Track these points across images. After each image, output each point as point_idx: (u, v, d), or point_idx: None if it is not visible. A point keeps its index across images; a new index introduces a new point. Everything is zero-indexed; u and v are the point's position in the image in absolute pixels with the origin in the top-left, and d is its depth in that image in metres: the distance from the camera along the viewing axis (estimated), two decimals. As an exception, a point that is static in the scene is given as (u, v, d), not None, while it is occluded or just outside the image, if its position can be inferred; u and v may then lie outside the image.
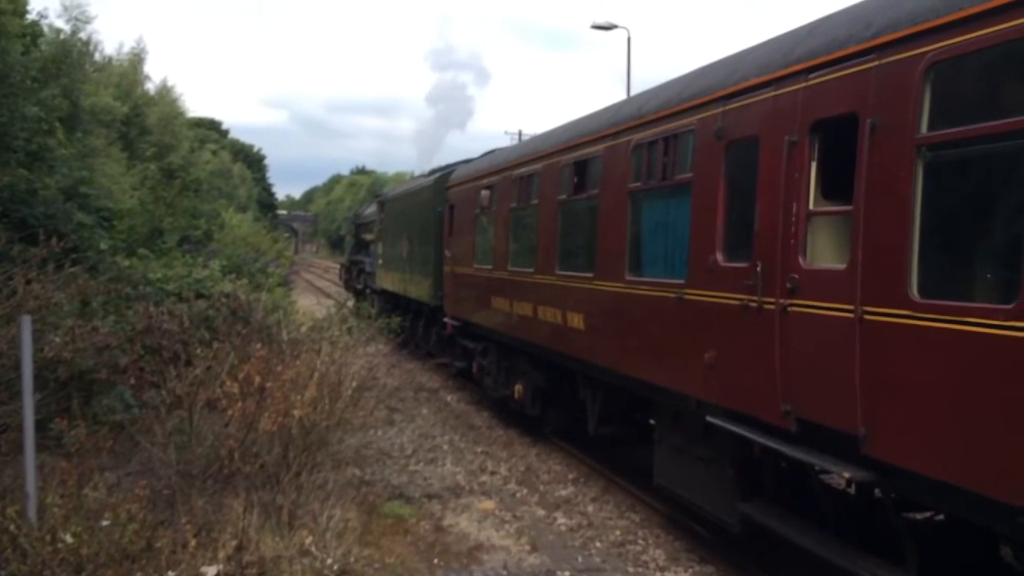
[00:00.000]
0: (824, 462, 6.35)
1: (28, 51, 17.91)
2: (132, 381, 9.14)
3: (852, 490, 7.43)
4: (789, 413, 6.68)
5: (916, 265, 5.53)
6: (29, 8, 20.06)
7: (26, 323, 6.89)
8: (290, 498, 7.90)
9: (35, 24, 20.94)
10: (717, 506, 8.16)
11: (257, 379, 8.33)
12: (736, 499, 7.77)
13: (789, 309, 6.70)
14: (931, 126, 5.52)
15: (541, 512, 10.43)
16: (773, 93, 7.09)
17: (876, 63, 5.94)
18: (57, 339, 8.83)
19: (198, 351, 9.11)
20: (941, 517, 6.72)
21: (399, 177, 78.33)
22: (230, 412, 8.34)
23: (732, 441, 7.59)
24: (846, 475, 6.07)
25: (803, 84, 6.71)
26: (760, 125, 7.26)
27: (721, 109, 7.82)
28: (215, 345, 9.29)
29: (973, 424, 5.09)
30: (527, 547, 9.05)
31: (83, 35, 34.93)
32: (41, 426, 7.64)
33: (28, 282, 9.10)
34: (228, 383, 8.50)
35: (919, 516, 7.00)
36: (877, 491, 6.74)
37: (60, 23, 31.45)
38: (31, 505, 6.70)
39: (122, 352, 9.37)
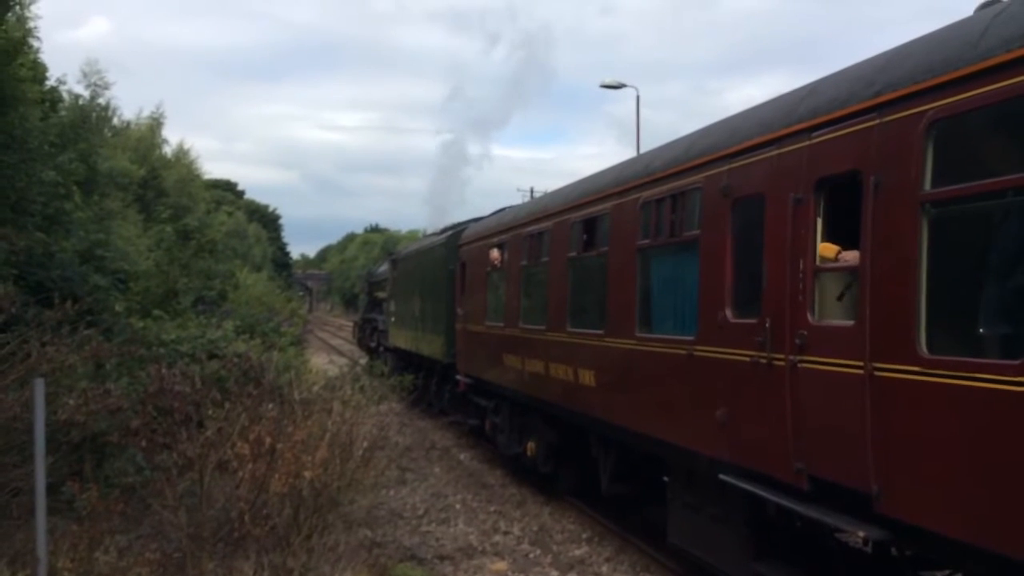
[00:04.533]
0: (838, 521, 6.28)
1: (47, 117, 18.24)
2: (144, 443, 9.09)
3: (868, 549, 7.33)
4: (802, 471, 6.63)
5: (924, 321, 5.53)
6: (49, 74, 20.46)
7: (39, 386, 6.93)
8: (301, 561, 7.84)
9: (54, 90, 21.34)
10: (732, 565, 8.05)
11: (268, 440, 8.32)
12: (751, 558, 7.68)
13: (799, 365, 6.69)
14: (934, 183, 5.57)
15: (555, 574, 10.30)
16: (777, 151, 7.17)
17: (878, 121, 6.01)
18: (71, 402, 8.85)
19: (210, 412, 9.11)
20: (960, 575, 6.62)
21: (412, 235, 78.69)
22: (241, 474, 8.32)
23: (745, 499, 7.52)
24: (861, 534, 6.01)
25: (807, 142, 6.79)
26: (765, 183, 7.32)
27: (727, 167, 7.90)
28: (227, 406, 9.30)
29: (987, 482, 5.04)
30: (540, 609, 8.95)
31: (102, 100, 35.64)
32: (53, 489, 7.64)
33: (43, 345, 9.15)
34: (239, 444, 8.49)
35: (937, 574, 6.89)
36: (893, 550, 6.66)
37: (79, 88, 32.09)
38: (42, 569, 6.68)
39: (134, 414, 9.37)
